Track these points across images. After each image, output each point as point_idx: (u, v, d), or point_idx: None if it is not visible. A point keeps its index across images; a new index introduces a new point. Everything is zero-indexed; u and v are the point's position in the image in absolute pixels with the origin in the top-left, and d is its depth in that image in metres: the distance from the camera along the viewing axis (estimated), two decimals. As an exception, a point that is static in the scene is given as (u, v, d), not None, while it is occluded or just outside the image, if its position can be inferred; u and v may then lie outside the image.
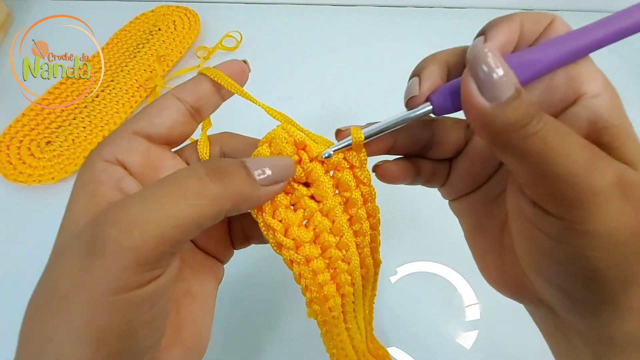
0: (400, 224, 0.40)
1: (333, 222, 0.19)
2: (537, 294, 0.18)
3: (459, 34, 0.55)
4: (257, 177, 0.16)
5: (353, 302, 0.22)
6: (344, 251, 0.20)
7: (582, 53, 0.17)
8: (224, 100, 0.20)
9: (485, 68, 0.14)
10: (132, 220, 0.13)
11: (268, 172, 0.16)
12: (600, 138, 0.15)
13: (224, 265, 0.22)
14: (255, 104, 0.20)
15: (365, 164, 0.19)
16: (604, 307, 0.15)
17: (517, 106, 0.14)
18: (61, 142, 0.42)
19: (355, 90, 0.49)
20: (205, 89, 0.19)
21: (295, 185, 0.19)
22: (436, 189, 0.23)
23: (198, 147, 0.19)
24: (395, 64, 0.53)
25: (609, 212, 0.14)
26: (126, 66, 0.47)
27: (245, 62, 0.20)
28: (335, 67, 0.51)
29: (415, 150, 0.21)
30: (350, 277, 0.20)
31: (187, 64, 0.51)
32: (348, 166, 0.19)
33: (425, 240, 0.39)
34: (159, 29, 0.51)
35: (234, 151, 0.20)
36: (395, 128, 0.18)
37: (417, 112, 0.18)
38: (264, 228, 0.18)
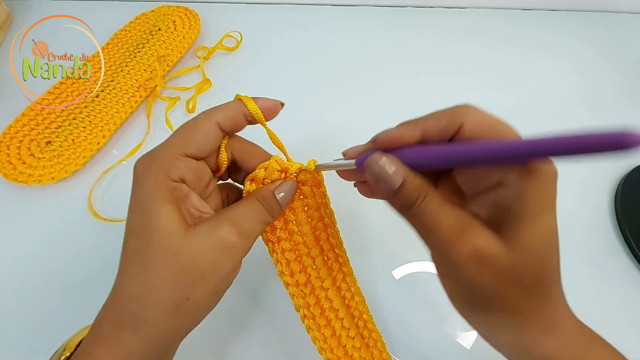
0: (400, 224, 0.40)
1: (297, 216, 0.28)
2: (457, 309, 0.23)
3: (459, 34, 0.55)
4: (281, 198, 0.25)
5: (320, 281, 0.29)
6: (304, 237, 0.28)
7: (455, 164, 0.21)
8: (249, 124, 0.25)
9: (378, 170, 0.21)
10: (244, 233, 0.23)
11: (285, 195, 0.25)
12: (502, 215, 0.20)
13: None
14: (271, 137, 0.28)
15: (321, 181, 0.28)
16: (491, 316, 0.21)
17: (404, 193, 0.20)
18: (61, 142, 0.42)
19: (355, 90, 0.49)
20: (239, 116, 0.24)
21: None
22: None
23: (220, 158, 0.25)
24: (395, 64, 0.53)
25: (465, 273, 0.19)
26: (126, 66, 0.47)
27: (282, 104, 0.27)
28: (335, 67, 0.51)
29: None
30: (311, 259, 0.28)
31: (187, 64, 0.51)
32: (311, 184, 0.28)
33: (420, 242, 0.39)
34: (159, 29, 0.51)
35: (242, 156, 0.25)
36: (335, 168, 0.26)
37: (342, 163, 0.25)
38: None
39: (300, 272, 0.28)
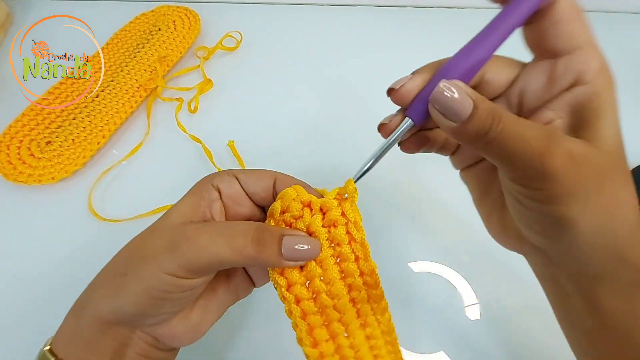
0: (400, 224, 0.40)
1: (325, 270, 0.22)
2: (529, 241, 0.21)
3: (459, 34, 0.55)
4: (287, 248, 0.21)
5: (353, 351, 0.23)
6: (335, 300, 0.22)
7: (497, 43, 0.20)
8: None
9: (446, 99, 0.18)
10: (199, 246, 0.20)
11: (303, 247, 0.21)
12: (580, 115, 0.19)
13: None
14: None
15: (359, 221, 0.22)
16: (581, 245, 0.19)
17: (477, 120, 0.18)
18: (61, 142, 0.42)
19: (355, 90, 0.49)
20: (295, 180, 0.24)
21: None
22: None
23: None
24: (395, 64, 0.53)
25: (562, 181, 0.18)
26: (126, 66, 0.47)
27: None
28: (335, 67, 0.51)
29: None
30: (343, 327, 0.23)
31: (187, 64, 0.51)
32: (344, 222, 0.22)
33: (425, 240, 0.39)
34: (159, 29, 0.51)
35: (254, 191, 0.24)
36: (386, 151, 0.22)
37: (400, 133, 0.21)
38: (273, 282, 0.23)
39: (327, 341, 0.22)
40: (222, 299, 0.25)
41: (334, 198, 0.22)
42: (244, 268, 0.26)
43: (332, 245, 0.22)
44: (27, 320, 0.35)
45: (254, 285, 0.26)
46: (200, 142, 0.44)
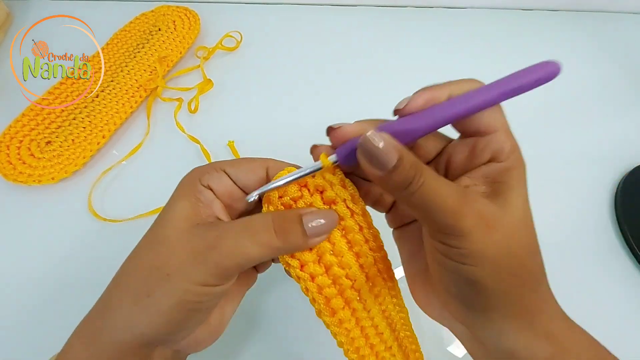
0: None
1: (334, 244, 0.23)
2: (450, 312, 0.23)
3: (459, 34, 0.55)
4: (310, 227, 0.21)
5: (366, 312, 0.25)
6: (346, 270, 0.23)
7: (447, 121, 0.21)
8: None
9: (371, 147, 0.19)
10: (226, 249, 0.20)
11: (322, 221, 0.22)
12: (494, 186, 0.21)
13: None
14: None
15: (355, 194, 0.23)
16: (494, 316, 0.20)
17: (401, 171, 0.19)
18: (61, 142, 0.42)
19: (355, 90, 0.49)
20: (287, 166, 0.24)
21: None
22: None
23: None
24: (395, 64, 0.53)
25: (474, 241, 0.19)
26: (126, 66, 0.47)
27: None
28: (335, 67, 0.51)
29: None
30: (356, 292, 0.24)
31: (187, 64, 0.51)
32: (342, 199, 0.23)
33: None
34: (159, 29, 0.51)
35: (245, 183, 0.24)
36: (308, 174, 0.22)
37: (316, 167, 0.22)
38: (284, 265, 0.23)
39: (343, 308, 0.24)
40: (234, 293, 0.25)
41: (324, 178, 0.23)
42: None
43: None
44: (27, 320, 0.35)
45: (257, 272, 0.27)
46: (198, 142, 0.44)
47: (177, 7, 0.53)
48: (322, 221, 0.22)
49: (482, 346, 0.22)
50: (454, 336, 0.24)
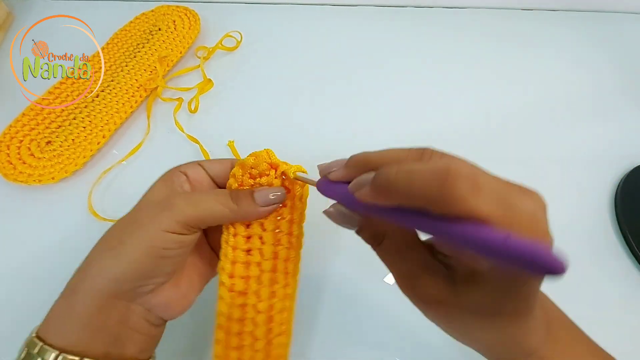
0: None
1: (266, 219, 0.27)
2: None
3: (459, 34, 0.55)
4: (261, 198, 0.25)
5: (256, 299, 0.26)
6: (264, 247, 0.26)
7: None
8: None
9: (336, 218, 0.23)
10: (192, 201, 0.24)
11: (270, 197, 0.25)
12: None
13: None
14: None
15: (303, 197, 0.27)
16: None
17: (362, 235, 0.23)
18: (61, 142, 0.42)
19: (355, 90, 0.49)
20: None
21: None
22: None
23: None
24: (395, 64, 0.53)
25: (422, 311, 0.22)
26: (126, 66, 0.47)
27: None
28: (335, 67, 0.51)
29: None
30: (259, 271, 0.26)
31: (187, 64, 0.51)
32: (299, 194, 0.27)
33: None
34: (159, 29, 0.51)
35: (216, 173, 0.28)
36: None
37: (308, 180, 0.26)
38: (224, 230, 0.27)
39: (241, 277, 0.26)
40: (202, 271, 0.28)
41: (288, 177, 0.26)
42: (210, 246, 0.29)
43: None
44: (27, 320, 0.35)
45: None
46: (197, 142, 0.44)
47: (177, 7, 0.53)
48: (271, 195, 0.25)
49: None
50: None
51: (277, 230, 0.27)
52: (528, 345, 0.20)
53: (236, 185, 0.26)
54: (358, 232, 0.23)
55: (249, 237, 0.26)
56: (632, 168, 0.43)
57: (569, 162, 0.44)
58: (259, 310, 0.26)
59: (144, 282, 0.23)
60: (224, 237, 0.26)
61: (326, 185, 0.23)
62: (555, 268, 0.13)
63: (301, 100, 0.49)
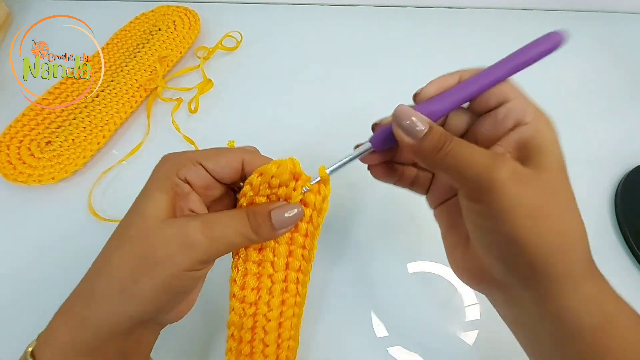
0: (400, 224, 0.40)
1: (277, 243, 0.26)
2: (491, 276, 0.23)
3: (459, 34, 0.55)
4: (279, 222, 0.24)
5: (267, 309, 0.26)
6: (276, 259, 0.26)
7: (461, 101, 0.23)
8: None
9: (405, 120, 0.22)
10: (213, 238, 0.22)
11: (286, 216, 0.24)
12: (525, 150, 0.22)
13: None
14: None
15: (325, 209, 0.26)
16: (538, 276, 0.20)
17: (431, 138, 0.21)
18: (61, 142, 0.42)
19: (355, 90, 0.49)
20: (264, 159, 0.26)
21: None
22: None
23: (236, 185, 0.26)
24: (395, 64, 0.53)
25: (508, 193, 0.20)
26: (126, 66, 0.47)
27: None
28: (335, 67, 0.51)
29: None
30: (270, 283, 0.26)
31: (187, 64, 0.51)
32: (316, 207, 0.26)
33: (425, 240, 0.39)
34: (159, 29, 0.51)
35: (221, 173, 0.25)
36: (350, 161, 0.25)
37: (360, 151, 0.25)
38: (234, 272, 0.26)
39: (253, 289, 0.26)
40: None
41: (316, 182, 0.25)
42: None
43: None
44: (27, 319, 0.35)
45: None
46: (193, 143, 0.44)
47: (177, 7, 0.53)
48: (286, 214, 0.24)
49: (522, 310, 0.22)
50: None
51: (290, 242, 0.26)
52: (577, 322, 0.20)
53: (251, 193, 0.24)
54: (427, 134, 0.22)
55: (261, 249, 0.26)
56: (632, 168, 0.43)
57: (569, 162, 0.44)
58: (269, 318, 0.26)
59: (161, 314, 0.24)
60: (234, 254, 0.26)
61: (379, 135, 0.24)
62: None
63: (301, 100, 0.49)
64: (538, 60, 0.23)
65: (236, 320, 0.26)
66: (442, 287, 0.37)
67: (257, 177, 0.24)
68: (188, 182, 0.24)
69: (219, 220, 0.23)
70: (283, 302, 0.27)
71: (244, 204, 0.25)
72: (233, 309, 0.26)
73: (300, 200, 0.25)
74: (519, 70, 0.23)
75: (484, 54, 0.52)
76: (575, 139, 0.47)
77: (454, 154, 0.21)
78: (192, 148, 0.44)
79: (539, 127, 0.22)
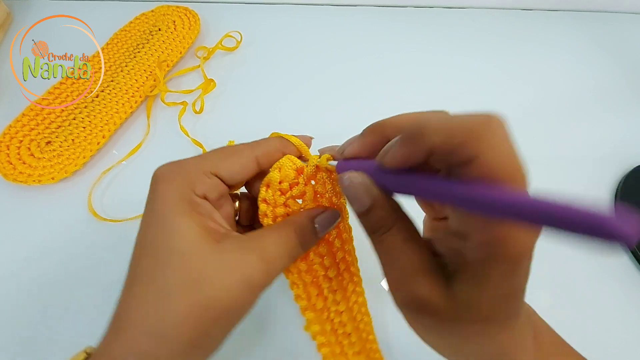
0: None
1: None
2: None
3: (459, 34, 0.55)
4: (323, 228, 0.23)
5: (336, 304, 0.27)
6: (322, 258, 0.25)
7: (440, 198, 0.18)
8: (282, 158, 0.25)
9: (350, 187, 0.19)
10: (269, 269, 0.20)
11: (328, 222, 0.23)
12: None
13: None
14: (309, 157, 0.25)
15: (339, 190, 0.24)
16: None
17: (370, 217, 0.19)
18: (61, 142, 0.42)
19: (354, 90, 0.49)
20: (278, 154, 0.24)
21: None
22: None
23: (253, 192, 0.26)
24: (395, 64, 0.53)
25: (404, 314, 0.19)
26: (126, 66, 0.47)
27: (312, 138, 0.27)
28: (335, 67, 0.51)
29: None
30: (328, 281, 0.26)
31: (187, 64, 0.51)
32: (330, 194, 0.24)
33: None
34: (159, 29, 0.51)
35: (237, 175, 0.23)
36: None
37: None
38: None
39: (317, 295, 0.25)
40: None
41: (321, 170, 0.24)
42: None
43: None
44: (27, 319, 0.35)
45: None
46: (201, 146, 0.43)
47: (177, 7, 0.53)
48: (328, 221, 0.23)
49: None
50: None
51: (327, 236, 0.26)
52: (517, 358, 0.19)
53: (271, 208, 0.23)
54: (367, 212, 0.19)
55: (307, 254, 0.26)
56: (632, 168, 0.43)
57: (569, 162, 0.44)
58: (341, 311, 0.27)
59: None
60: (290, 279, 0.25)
61: (344, 165, 0.21)
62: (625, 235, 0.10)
63: (301, 100, 0.49)
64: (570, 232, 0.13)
65: (318, 330, 0.26)
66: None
67: (266, 190, 0.23)
68: (206, 199, 0.21)
69: (272, 247, 0.21)
70: (344, 291, 0.27)
71: (269, 222, 0.24)
72: (311, 322, 0.26)
73: (315, 193, 0.24)
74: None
75: (484, 54, 0.53)
76: (575, 139, 0.47)
77: (381, 246, 0.19)
78: (198, 151, 0.44)
79: (485, 258, 0.17)
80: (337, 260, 0.26)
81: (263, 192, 0.23)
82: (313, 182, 0.25)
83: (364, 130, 0.21)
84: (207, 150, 0.43)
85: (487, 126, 0.15)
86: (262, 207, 0.23)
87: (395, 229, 0.19)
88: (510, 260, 0.16)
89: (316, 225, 0.23)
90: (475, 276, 0.17)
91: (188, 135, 0.44)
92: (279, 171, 0.23)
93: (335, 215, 0.23)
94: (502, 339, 0.18)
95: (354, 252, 0.27)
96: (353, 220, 0.23)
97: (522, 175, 0.15)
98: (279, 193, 0.23)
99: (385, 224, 0.19)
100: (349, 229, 0.26)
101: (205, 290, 0.18)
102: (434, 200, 0.21)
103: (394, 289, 0.19)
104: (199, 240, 0.19)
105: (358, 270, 0.27)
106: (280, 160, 0.23)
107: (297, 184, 0.24)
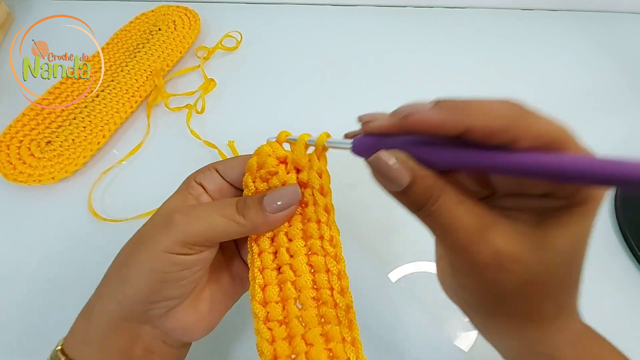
0: (400, 223, 0.40)
1: (290, 226, 0.23)
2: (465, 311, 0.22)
3: (459, 34, 0.55)
4: (271, 207, 0.22)
5: (303, 328, 0.22)
6: (293, 259, 0.23)
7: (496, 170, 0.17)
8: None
9: (382, 165, 0.18)
10: (192, 217, 0.22)
11: (279, 202, 0.22)
12: (546, 216, 0.18)
13: None
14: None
15: (325, 187, 0.23)
16: (509, 319, 0.19)
17: (412, 194, 0.18)
18: (61, 142, 0.42)
19: (355, 89, 0.49)
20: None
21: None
22: None
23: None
24: (395, 64, 0.53)
25: (486, 276, 0.18)
26: (126, 66, 0.47)
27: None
28: (335, 67, 0.51)
29: None
30: (295, 291, 0.22)
31: (187, 64, 0.51)
32: (312, 186, 0.23)
33: (425, 240, 0.39)
34: (159, 29, 0.51)
35: (235, 177, 0.26)
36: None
37: (340, 145, 0.22)
38: (249, 248, 0.24)
39: (277, 303, 0.22)
40: (227, 288, 0.26)
41: (308, 159, 0.23)
42: (241, 256, 0.27)
43: (301, 206, 0.23)
44: (27, 319, 0.35)
45: None
46: (215, 147, 0.43)
47: (177, 7, 0.53)
48: (281, 202, 0.22)
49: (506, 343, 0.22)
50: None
51: (304, 236, 0.23)
52: (551, 351, 0.20)
53: (250, 194, 0.23)
54: (408, 188, 0.18)
55: (276, 253, 0.23)
56: (632, 168, 0.43)
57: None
58: (309, 342, 0.21)
59: (149, 306, 0.22)
60: (249, 257, 0.23)
61: (366, 142, 0.20)
62: None
63: (301, 100, 0.49)
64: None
65: (267, 352, 0.21)
66: (435, 289, 0.36)
67: (247, 175, 0.24)
68: (202, 186, 0.25)
69: (204, 204, 0.24)
70: (320, 317, 0.22)
71: None
72: (259, 333, 0.21)
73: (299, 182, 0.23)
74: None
75: (484, 54, 0.53)
76: (575, 139, 0.47)
77: (437, 216, 0.18)
78: (197, 147, 0.44)
79: (571, 207, 0.18)
80: (315, 273, 0.22)
81: (245, 177, 0.24)
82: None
83: (396, 110, 0.19)
84: (222, 150, 0.43)
85: (523, 112, 0.18)
86: (245, 191, 0.24)
87: (445, 194, 0.18)
88: (592, 201, 0.18)
89: (269, 202, 0.22)
90: (559, 222, 0.17)
91: (199, 138, 0.44)
92: (257, 157, 0.23)
93: (290, 194, 0.23)
94: (543, 331, 0.19)
95: (343, 272, 0.23)
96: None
97: (568, 138, 0.17)
98: (259, 180, 0.23)
99: (433, 194, 0.18)
100: (335, 242, 0.23)
101: (139, 239, 0.23)
102: (483, 171, 0.19)
103: (465, 252, 0.17)
104: (171, 206, 0.23)
105: (350, 299, 0.23)
106: (260, 146, 0.24)
107: (277, 173, 0.23)
